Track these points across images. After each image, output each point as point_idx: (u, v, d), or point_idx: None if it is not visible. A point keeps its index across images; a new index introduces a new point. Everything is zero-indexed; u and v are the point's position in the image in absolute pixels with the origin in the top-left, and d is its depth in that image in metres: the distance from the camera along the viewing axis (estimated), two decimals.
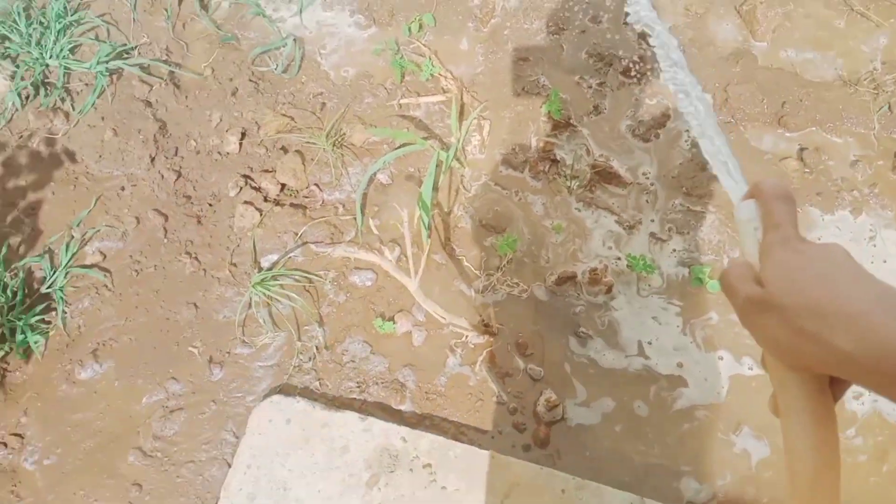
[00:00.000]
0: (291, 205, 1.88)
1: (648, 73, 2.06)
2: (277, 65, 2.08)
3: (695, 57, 2.07)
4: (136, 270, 1.81)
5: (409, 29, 2.14)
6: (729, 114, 1.99)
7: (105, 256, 1.83)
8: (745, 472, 1.61)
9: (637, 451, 1.64)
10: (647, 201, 1.90)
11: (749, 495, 1.60)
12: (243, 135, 1.97)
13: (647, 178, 1.93)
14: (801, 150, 1.94)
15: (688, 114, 0.74)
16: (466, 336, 1.72)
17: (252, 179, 1.92)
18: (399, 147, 1.91)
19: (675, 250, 1.84)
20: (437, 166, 1.88)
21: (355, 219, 1.86)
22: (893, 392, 0.48)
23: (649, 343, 1.74)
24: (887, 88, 2.00)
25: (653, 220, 1.88)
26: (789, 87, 2.01)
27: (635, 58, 2.07)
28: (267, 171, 1.93)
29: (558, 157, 1.95)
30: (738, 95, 1.99)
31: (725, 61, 2.06)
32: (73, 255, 1.81)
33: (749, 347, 1.73)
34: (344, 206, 1.90)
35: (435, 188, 1.89)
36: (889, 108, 1.98)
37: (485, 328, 1.74)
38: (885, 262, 1.82)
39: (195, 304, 1.77)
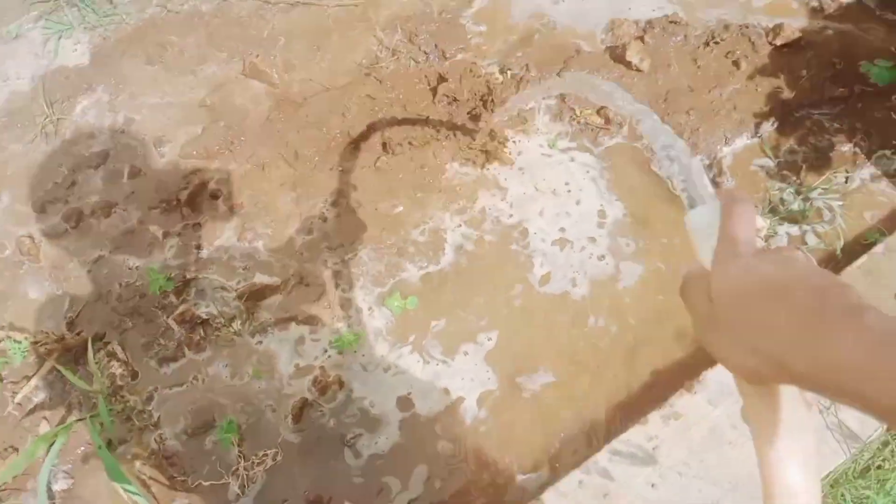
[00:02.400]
0: None
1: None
2: None
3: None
4: None
5: None
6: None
7: None
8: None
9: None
10: (306, 284, 1.82)
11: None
12: None
13: (290, 260, 1.85)
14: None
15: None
16: None
17: None
18: (48, 451, 1.61)
19: (364, 302, 1.79)
20: (100, 429, 1.63)
21: None
22: (854, 403, 0.43)
23: (408, 395, 1.69)
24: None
25: (323, 294, 1.81)
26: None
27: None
28: None
29: (204, 315, 1.79)
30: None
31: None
32: None
33: (468, 331, 1.76)
34: None
35: (116, 445, 1.64)
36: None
37: None
38: None
39: None
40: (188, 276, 1.83)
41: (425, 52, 2.12)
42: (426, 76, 2.08)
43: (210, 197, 1.94)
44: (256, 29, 2.21)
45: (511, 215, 1.89)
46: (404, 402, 1.68)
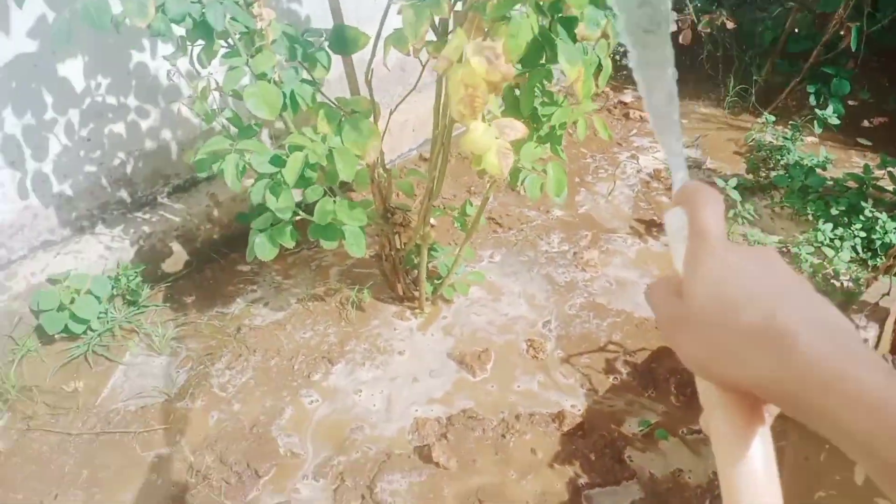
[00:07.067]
0: None
1: None
2: None
3: None
4: None
5: None
6: None
7: None
8: None
9: None
10: None
11: None
12: None
13: None
14: None
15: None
16: None
17: None
18: None
19: None
20: None
21: None
22: (812, 420, 0.42)
23: None
24: None
25: None
26: None
27: None
28: None
29: None
30: None
31: None
32: None
33: None
34: None
35: None
36: None
37: None
38: None
39: None
40: None
41: (237, 473, 2.13)
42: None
43: None
44: (57, 464, 2.13)
45: None
46: None
